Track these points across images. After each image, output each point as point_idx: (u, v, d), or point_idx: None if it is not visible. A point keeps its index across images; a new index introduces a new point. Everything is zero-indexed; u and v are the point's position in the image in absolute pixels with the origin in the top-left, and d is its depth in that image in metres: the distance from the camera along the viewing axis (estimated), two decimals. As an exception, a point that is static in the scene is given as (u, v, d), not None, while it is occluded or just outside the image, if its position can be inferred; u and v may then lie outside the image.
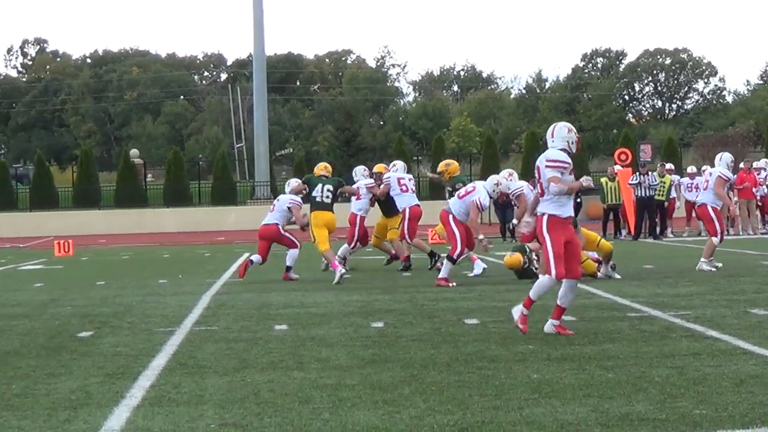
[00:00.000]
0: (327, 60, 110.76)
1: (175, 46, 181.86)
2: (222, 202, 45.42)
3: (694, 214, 25.38)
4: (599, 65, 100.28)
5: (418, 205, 16.98)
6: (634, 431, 5.69)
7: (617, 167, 27.10)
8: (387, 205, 17.34)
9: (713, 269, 15.47)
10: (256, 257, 16.16)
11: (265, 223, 16.31)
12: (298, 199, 16.37)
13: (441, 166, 17.38)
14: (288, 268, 16.04)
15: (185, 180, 47.48)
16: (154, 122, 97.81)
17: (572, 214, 9.35)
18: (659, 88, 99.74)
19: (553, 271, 9.04)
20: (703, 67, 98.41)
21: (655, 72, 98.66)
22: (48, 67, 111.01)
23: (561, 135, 9.34)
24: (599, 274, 14.69)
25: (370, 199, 17.42)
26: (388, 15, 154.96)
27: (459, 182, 16.48)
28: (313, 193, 16.37)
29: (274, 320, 10.88)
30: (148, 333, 10.18)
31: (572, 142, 9.33)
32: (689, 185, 27.26)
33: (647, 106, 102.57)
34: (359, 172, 18.48)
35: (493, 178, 15.31)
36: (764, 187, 27.50)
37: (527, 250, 14.82)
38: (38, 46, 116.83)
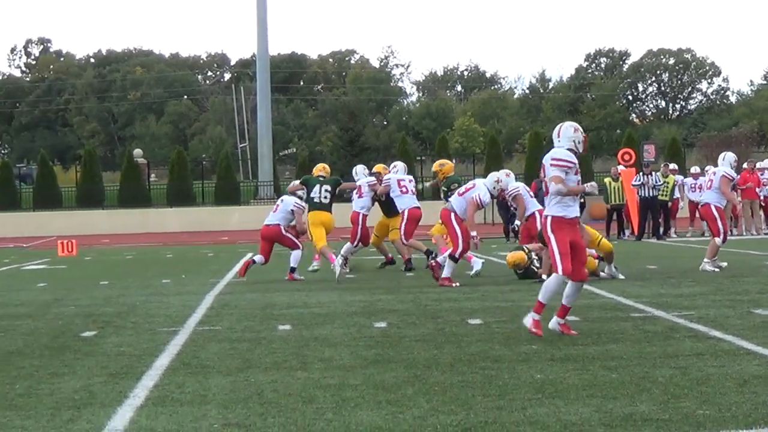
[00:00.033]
0: (330, 60, 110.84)
1: (178, 45, 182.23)
2: (225, 202, 45.43)
3: (697, 215, 25.40)
4: (603, 65, 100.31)
5: (418, 207, 16.92)
6: (637, 431, 5.69)
7: (620, 167, 27.09)
8: (387, 205, 17.36)
9: (716, 269, 15.46)
10: (258, 258, 16.18)
11: (267, 224, 16.34)
12: (303, 203, 16.42)
13: (435, 166, 17.35)
14: (292, 269, 16.07)
15: (189, 180, 47.51)
16: (157, 122, 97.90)
17: (578, 215, 9.29)
18: (663, 89, 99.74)
19: (560, 267, 8.98)
20: (707, 68, 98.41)
21: (658, 72, 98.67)
22: (51, 66, 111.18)
23: (567, 135, 9.32)
24: (603, 274, 14.69)
25: (371, 197, 17.44)
26: (391, 15, 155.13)
27: (454, 182, 16.50)
28: (311, 194, 16.40)
29: (278, 320, 10.88)
30: (151, 333, 10.18)
31: (579, 142, 9.30)
32: (693, 185, 27.25)
33: (651, 106, 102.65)
34: (360, 171, 18.49)
35: (493, 175, 15.30)
36: (768, 187, 27.49)
37: (526, 251, 14.82)
38: (42, 46, 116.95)
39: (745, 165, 27.22)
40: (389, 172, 17.52)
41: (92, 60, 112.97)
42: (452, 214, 14.59)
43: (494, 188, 14.91)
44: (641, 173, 26.15)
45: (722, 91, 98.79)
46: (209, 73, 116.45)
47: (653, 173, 26.19)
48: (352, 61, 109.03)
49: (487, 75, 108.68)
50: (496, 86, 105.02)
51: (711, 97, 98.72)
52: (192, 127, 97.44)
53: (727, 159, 16.04)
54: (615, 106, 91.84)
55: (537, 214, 14.93)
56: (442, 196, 17.12)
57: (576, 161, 9.24)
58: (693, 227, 27.67)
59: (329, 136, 71.94)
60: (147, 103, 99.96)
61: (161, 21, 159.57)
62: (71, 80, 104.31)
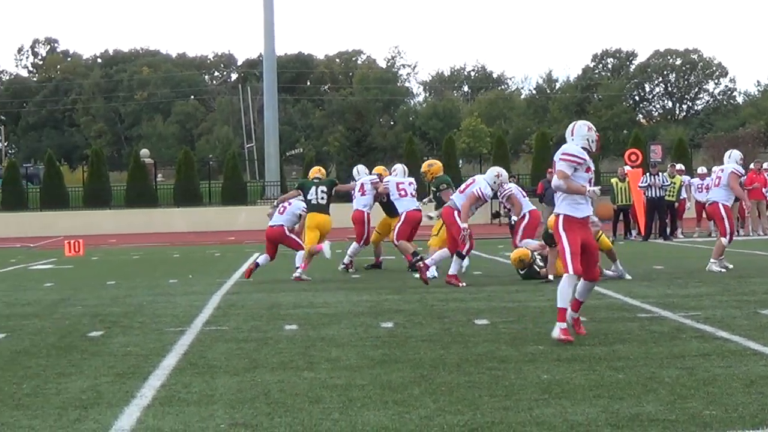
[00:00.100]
0: (337, 60, 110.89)
1: (185, 46, 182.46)
2: (232, 202, 45.43)
3: (704, 215, 25.37)
4: (609, 66, 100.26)
5: (417, 210, 16.91)
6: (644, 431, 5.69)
7: (627, 168, 27.06)
8: (388, 206, 17.40)
9: (723, 270, 15.44)
10: (263, 258, 16.20)
11: (271, 225, 16.37)
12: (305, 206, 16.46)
13: (424, 167, 17.28)
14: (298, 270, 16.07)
15: (195, 180, 47.51)
16: (164, 122, 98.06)
17: (589, 215, 9.23)
18: (669, 89, 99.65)
19: (570, 268, 8.91)
20: (714, 68, 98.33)
21: (665, 72, 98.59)
22: (58, 66, 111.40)
23: (581, 133, 9.26)
24: (609, 272, 14.68)
25: (373, 195, 17.48)
26: (398, 15, 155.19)
27: (443, 182, 16.50)
28: (308, 197, 16.42)
29: (284, 320, 10.89)
30: (158, 333, 10.20)
31: (592, 141, 9.24)
32: (699, 186, 27.19)
33: (657, 106, 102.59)
34: (361, 170, 18.54)
35: (493, 170, 15.32)
36: (774, 187, 27.43)
37: (528, 250, 14.84)
38: (49, 46, 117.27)
39: (752, 165, 27.19)
40: (389, 174, 17.58)
41: (99, 60, 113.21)
42: (455, 212, 14.59)
43: (494, 182, 14.93)
44: (648, 174, 26.13)
45: (729, 92, 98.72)
46: (216, 73, 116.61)
47: (660, 174, 26.18)
48: (359, 62, 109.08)
49: (494, 75, 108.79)
50: (502, 87, 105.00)
51: (718, 97, 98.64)
52: (199, 127, 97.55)
53: (733, 156, 16.01)
54: (622, 107, 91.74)
55: (528, 215, 15.28)
56: (431, 196, 17.19)
57: (588, 159, 9.17)
58: (700, 228, 27.64)
59: (336, 136, 71.88)
60: (154, 103, 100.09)
61: (168, 21, 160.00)
62: (78, 80, 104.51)
